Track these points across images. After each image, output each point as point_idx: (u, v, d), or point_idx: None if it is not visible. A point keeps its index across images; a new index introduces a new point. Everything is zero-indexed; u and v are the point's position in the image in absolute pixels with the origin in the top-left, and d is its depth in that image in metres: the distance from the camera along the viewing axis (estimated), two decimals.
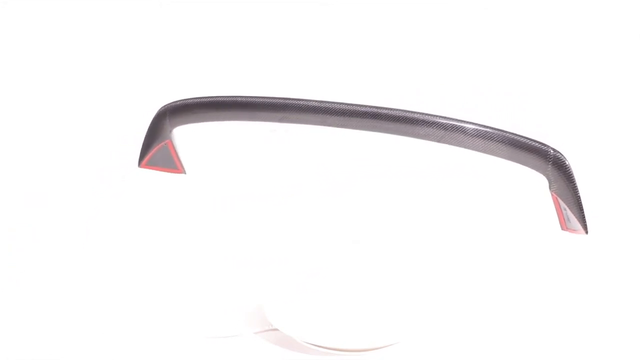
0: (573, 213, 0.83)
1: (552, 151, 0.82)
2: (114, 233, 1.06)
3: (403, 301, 0.93)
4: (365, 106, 0.85)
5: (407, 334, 0.88)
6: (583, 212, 0.82)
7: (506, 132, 0.84)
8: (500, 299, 0.95)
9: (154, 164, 0.94)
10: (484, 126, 0.83)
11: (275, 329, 0.88)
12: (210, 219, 1.10)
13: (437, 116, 0.84)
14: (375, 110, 0.85)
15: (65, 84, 1.29)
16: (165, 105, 0.91)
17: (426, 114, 0.84)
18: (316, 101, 0.84)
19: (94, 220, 1.10)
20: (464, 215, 1.11)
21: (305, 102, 0.85)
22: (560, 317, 0.92)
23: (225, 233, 1.08)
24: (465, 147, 0.83)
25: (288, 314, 0.89)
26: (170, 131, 0.91)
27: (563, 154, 0.82)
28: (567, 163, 0.82)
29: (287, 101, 0.85)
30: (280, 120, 0.86)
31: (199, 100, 0.89)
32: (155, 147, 0.93)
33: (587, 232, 0.83)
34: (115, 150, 1.18)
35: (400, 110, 0.84)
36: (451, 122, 0.83)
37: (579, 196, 0.82)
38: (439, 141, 0.83)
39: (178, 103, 0.91)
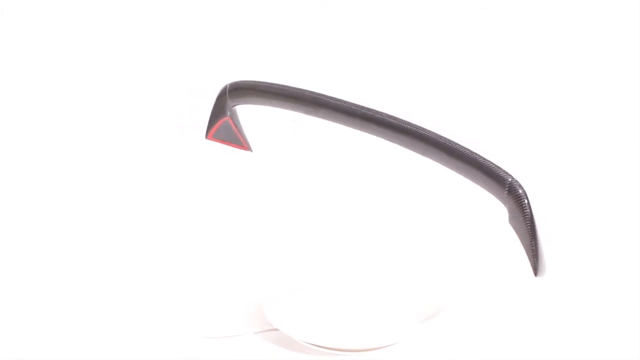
0: (525, 250, 0.81)
1: (510, 179, 0.80)
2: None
3: (403, 301, 0.93)
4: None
5: (407, 334, 0.88)
6: (535, 251, 0.80)
7: (468, 151, 0.82)
8: (498, 300, 0.95)
9: (219, 138, 0.99)
10: (450, 142, 0.82)
11: (275, 329, 0.88)
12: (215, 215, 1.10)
13: (417, 127, 0.84)
14: (366, 111, 0.85)
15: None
16: (228, 83, 0.94)
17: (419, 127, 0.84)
18: (383, 114, 0.85)
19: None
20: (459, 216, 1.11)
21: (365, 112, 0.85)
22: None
23: (225, 232, 1.08)
24: (437, 162, 0.83)
25: (288, 314, 0.89)
26: (231, 108, 0.94)
27: (522, 184, 0.80)
28: (520, 192, 0.80)
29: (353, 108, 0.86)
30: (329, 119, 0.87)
31: (252, 83, 0.92)
32: (218, 122, 0.97)
33: (535, 275, 0.81)
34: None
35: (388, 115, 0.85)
36: (419, 131, 0.83)
37: (532, 233, 0.80)
38: (422, 154, 0.84)
39: (237, 82, 0.94)
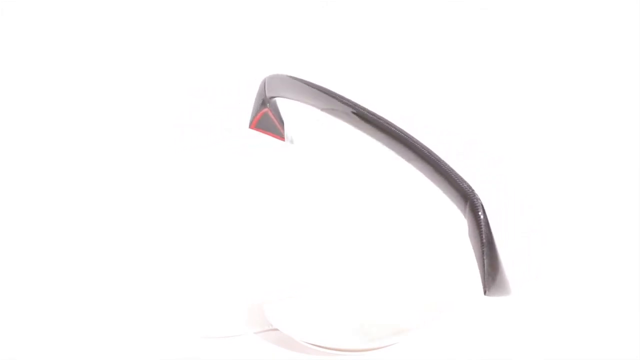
0: (477, 266, 0.81)
1: (471, 195, 0.80)
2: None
3: (403, 301, 0.92)
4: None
5: (407, 334, 0.88)
6: (484, 270, 0.80)
7: (436, 159, 0.82)
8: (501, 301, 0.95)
9: (261, 128, 0.99)
10: (420, 147, 0.82)
11: (275, 329, 0.88)
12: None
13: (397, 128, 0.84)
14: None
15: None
16: (267, 75, 0.95)
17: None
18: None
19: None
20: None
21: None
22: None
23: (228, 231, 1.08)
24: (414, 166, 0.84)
25: (288, 314, 0.89)
26: (269, 100, 0.95)
27: (482, 202, 0.80)
28: (478, 211, 0.80)
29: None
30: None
31: (287, 78, 0.93)
32: (259, 113, 0.99)
33: (484, 293, 0.80)
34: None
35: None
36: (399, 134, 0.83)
37: (483, 252, 0.79)
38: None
39: (273, 75, 0.94)
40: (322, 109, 0.91)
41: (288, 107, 1.00)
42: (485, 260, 0.80)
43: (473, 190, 0.80)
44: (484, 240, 0.79)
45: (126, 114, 1.24)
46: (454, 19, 1.33)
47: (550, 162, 1.15)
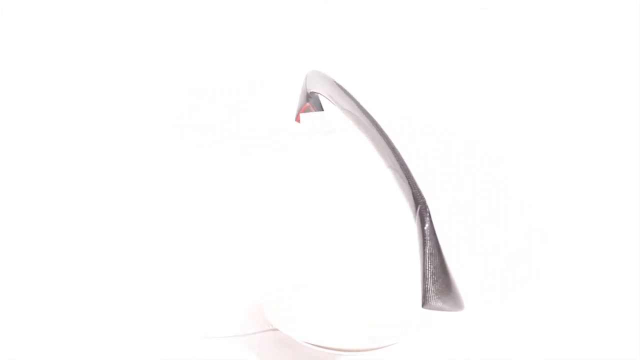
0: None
1: (420, 198, 0.79)
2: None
3: (402, 301, 0.92)
4: None
5: (407, 334, 0.88)
6: (424, 279, 0.79)
7: (402, 163, 0.82)
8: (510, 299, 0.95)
9: None
10: (395, 153, 0.82)
11: (275, 329, 0.88)
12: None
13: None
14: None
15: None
16: (310, 70, 0.96)
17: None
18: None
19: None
20: None
21: None
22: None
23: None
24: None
25: (288, 314, 0.89)
26: (311, 95, 0.96)
27: (430, 212, 0.79)
28: (424, 213, 0.79)
29: None
30: None
31: (324, 77, 0.94)
32: (303, 107, 1.01)
33: (422, 304, 0.79)
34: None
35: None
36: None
37: (431, 265, 0.79)
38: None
39: (312, 71, 0.96)
40: (342, 109, 0.92)
41: (327, 102, 1.03)
42: (427, 271, 0.79)
43: (423, 197, 0.79)
44: (427, 251, 0.78)
45: (126, 114, 1.24)
46: (454, 19, 1.33)
47: (550, 162, 1.15)
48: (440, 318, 0.91)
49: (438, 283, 0.78)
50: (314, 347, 0.86)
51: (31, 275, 0.98)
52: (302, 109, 1.02)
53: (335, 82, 0.96)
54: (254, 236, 1.07)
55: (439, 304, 0.79)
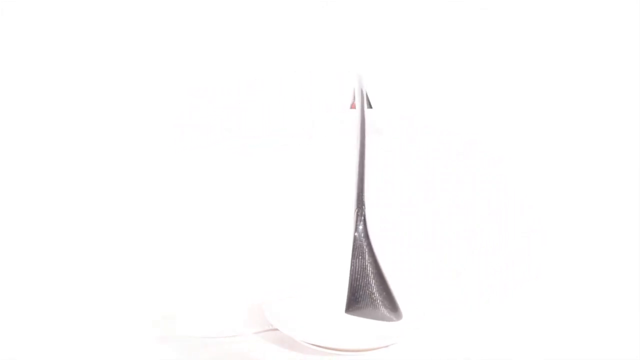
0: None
1: (359, 203, 0.80)
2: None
3: (402, 301, 0.92)
4: None
5: (406, 334, 0.88)
6: (350, 284, 0.79)
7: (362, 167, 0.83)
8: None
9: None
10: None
11: (275, 329, 0.88)
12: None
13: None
14: None
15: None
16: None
17: None
18: None
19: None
20: None
21: None
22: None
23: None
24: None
25: (288, 314, 0.89)
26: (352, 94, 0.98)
27: (365, 216, 0.80)
28: (358, 218, 0.80)
29: None
30: None
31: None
32: (351, 105, 1.04)
33: (345, 310, 0.79)
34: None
35: None
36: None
37: (358, 273, 0.79)
38: None
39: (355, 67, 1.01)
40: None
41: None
42: (354, 275, 0.79)
43: (363, 201, 0.80)
44: (357, 254, 0.79)
45: (127, 114, 1.24)
46: (454, 19, 1.33)
47: (550, 162, 1.15)
48: (440, 318, 0.91)
49: (363, 289, 0.79)
50: (314, 347, 0.86)
51: (31, 275, 0.98)
52: (351, 106, 1.05)
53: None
54: (254, 236, 1.07)
55: (365, 312, 0.79)
